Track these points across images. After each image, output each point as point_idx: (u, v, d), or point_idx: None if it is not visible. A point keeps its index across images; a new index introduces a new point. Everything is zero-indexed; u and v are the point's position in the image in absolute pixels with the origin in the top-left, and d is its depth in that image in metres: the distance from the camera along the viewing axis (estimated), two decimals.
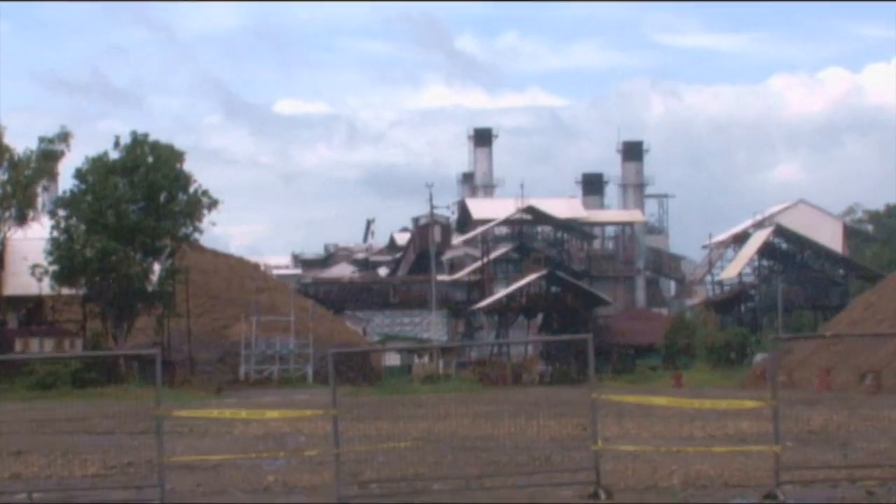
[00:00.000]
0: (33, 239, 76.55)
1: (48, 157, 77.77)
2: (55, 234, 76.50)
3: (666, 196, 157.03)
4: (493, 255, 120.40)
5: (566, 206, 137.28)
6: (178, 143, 78.44)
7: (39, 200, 78.39)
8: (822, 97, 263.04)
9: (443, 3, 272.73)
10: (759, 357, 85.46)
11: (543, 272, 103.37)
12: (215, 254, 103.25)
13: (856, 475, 20.51)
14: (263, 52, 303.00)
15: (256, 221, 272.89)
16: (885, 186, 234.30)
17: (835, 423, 32.04)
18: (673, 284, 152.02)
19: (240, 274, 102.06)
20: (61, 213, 77.11)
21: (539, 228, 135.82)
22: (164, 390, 21.78)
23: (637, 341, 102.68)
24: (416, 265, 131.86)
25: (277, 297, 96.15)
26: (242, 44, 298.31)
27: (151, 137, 77.88)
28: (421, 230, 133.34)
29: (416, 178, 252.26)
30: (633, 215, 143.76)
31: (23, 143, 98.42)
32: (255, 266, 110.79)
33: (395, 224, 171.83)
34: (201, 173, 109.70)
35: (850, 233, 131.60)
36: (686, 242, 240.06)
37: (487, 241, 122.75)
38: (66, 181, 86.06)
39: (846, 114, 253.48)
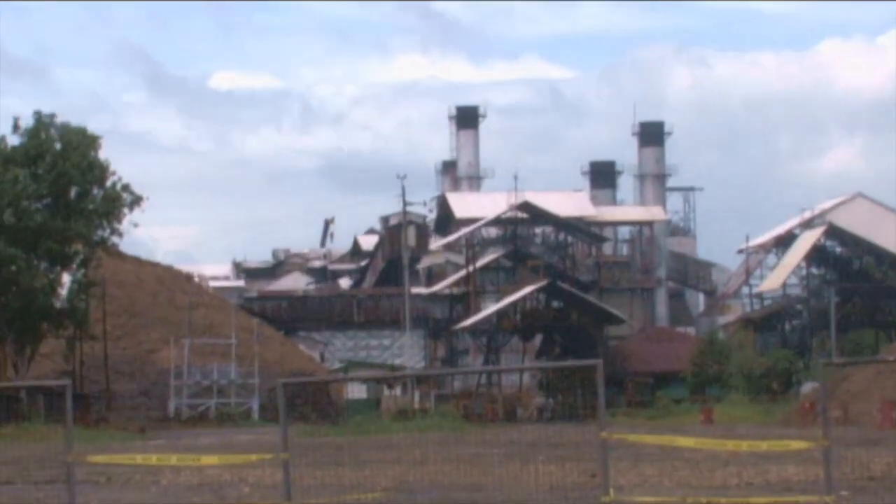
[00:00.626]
0: None
1: None
2: None
3: (692, 189, 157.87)
4: (481, 262, 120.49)
5: (570, 201, 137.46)
6: (93, 126, 78.69)
7: None
8: (883, 67, 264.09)
9: None
10: (807, 387, 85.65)
11: (542, 283, 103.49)
12: (139, 262, 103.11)
13: None
14: (196, 14, 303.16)
15: (189, 222, 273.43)
16: None
17: None
18: (702, 298, 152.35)
19: (169, 286, 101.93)
20: None
21: (537, 229, 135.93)
22: (77, 430, 21.63)
23: (658, 368, 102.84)
24: (385, 275, 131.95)
25: (215, 315, 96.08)
26: (170, 4, 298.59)
27: (59, 119, 77.92)
28: (391, 232, 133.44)
29: (386, 168, 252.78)
30: (652, 213, 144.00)
31: None
32: (188, 277, 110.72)
33: (359, 225, 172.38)
34: (121, 163, 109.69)
35: None
36: (717, 246, 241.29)
37: (473, 246, 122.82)
38: None
39: None
